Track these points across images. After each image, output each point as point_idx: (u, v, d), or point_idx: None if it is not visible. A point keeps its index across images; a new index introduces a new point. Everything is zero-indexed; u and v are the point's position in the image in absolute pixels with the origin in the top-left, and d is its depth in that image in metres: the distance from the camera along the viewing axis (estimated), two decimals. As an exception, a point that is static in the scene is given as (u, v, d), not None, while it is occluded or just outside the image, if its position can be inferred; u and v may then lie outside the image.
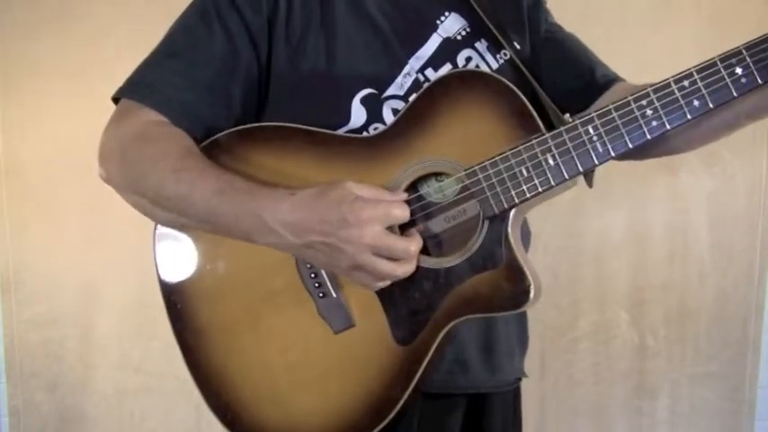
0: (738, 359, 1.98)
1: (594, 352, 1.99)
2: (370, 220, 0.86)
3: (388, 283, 0.92)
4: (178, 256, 1.02)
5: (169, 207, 0.95)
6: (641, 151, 0.93)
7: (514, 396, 1.19)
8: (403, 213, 0.90)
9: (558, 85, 1.08)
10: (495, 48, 1.09)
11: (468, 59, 1.07)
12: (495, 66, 1.08)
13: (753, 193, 1.94)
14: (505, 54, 1.09)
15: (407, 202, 0.93)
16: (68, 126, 1.91)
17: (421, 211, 0.96)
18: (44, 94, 1.94)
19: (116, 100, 1.02)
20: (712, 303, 1.97)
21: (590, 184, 0.99)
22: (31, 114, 1.95)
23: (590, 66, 1.10)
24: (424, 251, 0.94)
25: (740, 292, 1.96)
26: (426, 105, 0.95)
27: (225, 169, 0.94)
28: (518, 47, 1.08)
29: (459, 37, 1.08)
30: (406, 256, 0.89)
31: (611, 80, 1.07)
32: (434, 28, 1.07)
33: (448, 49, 1.07)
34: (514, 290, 0.91)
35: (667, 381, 1.99)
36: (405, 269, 0.91)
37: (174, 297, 1.02)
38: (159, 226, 1.03)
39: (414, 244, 0.90)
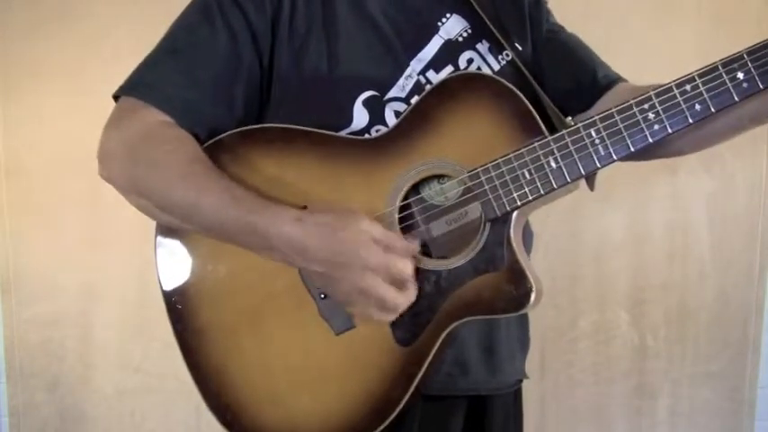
0: (738, 359, 1.98)
1: (594, 352, 1.99)
2: (370, 270, 0.87)
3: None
4: (179, 257, 1.01)
5: (174, 212, 0.95)
6: (644, 153, 0.93)
7: (515, 397, 1.19)
8: (404, 270, 0.90)
9: (559, 85, 1.08)
10: (496, 49, 1.08)
11: (470, 61, 1.07)
12: (496, 67, 1.08)
13: (753, 193, 1.94)
14: (507, 55, 1.08)
15: (408, 205, 0.94)
16: (68, 126, 1.91)
17: (423, 213, 0.95)
18: (44, 94, 1.93)
19: (116, 98, 1.01)
20: (712, 303, 1.97)
21: (592, 187, 0.99)
22: (31, 114, 1.94)
23: (592, 66, 1.10)
24: (426, 253, 0.95)
25: (740, 292, 1.96)
26: (429, 107, 0.95)
27: (232, 179, 0.94)
28: (519, 48, 1.08)
29: (460, 38, 1.08)
30: (392, 309, 0.90)
31: (613, 80, 1.07)
32: (436, 30, 1.07)
33: (449, 51, 1.06)
34: (516, 292, 0.91)
35: (667, 381, 1.99)
36: (389, 316, 0.92)
37: (174, 297, 1.01)
38: (161, 227, 1.02)
39: (407, 297, 0.91)
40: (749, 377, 1.98)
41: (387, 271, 0.88)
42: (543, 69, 1.10)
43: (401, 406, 0.94)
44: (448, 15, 1.08)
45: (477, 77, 0.97)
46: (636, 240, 1.95)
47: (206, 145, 0.99)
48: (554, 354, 1.98)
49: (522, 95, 0.92)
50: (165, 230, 1.02)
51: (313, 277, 0.94)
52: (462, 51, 1.07)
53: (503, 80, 0.94)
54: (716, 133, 0.98)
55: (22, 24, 1.92)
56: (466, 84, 0.95)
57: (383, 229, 0.90)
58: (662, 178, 1.92)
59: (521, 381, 1.20)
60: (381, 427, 0.95)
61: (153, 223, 1.03)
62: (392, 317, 0.92)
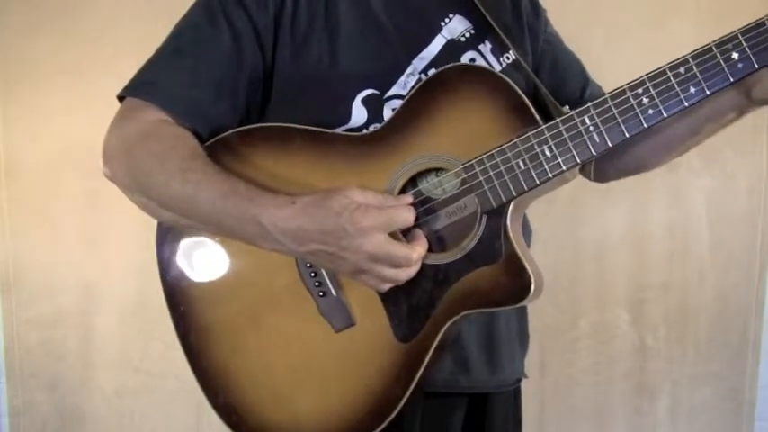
0: (738, 359, 1.97)
1: (594, 352, 1.99)
2: (369, 230, 0.85)
3: (391, 285, 0.91)
4: (181, 258, 1.02)
5: (173, 207, 0.95)
6: (610, 168, 0.92)
7: (515, 396, 1.19)
8: (406, 218, 0.89)
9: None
10: (498, 50, 1.09)
11: (472, 61, 1.07)
12: (498, 68, 1.08)
13: (753, 193, 1.94)
14: (508, 57, 1.09)
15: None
16: (68, 126, 1.92)
17: (420, 206, 0.95)
18: (44, 94, 1.94)
19: (121, 99, 1.01)
20: (712, 303, 1.96)
21: (589, 176, 0.99)
22: (31, 114, 1.95)
23: (581, 83, 1.13)
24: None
25: (740, 292, 1.96)
26: (424, 101, 0.95)
27: (230, 173, 0.94)
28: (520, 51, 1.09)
29: (463, 39, 1.08)
30: (405, 264, 0.88)
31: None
32: (439, 29, 1.07)
33: (452, 51, 1.06)
34: (514, 284, 0.91)
35: (667, 381, 1.99)
36: (408, 272, 0.90)
37: (176, 298, 1.01)
38: (162, 227, 1.02)
39: (415, 251, 0.89)
40: (749, 377, 1.97)
41: (388, 227, 0.87)
42: (538, 76, 1.11)
43: (402, 403, 0.94)
44: (451, 16, 1.08)
45: (473, 70, 0.97)
46: (636, 240, 1.95)
47: (205, 145, 0.99)
48: (554, 353, 1.98)
49: (516, 87, 0.92)
50: (167, 231, 1.02)
51: (320, 262, 0.92)
52: (465, 51, 1.07)
53: (498, 73, 0.94)
54: (674, 141, 1.01)
55: (21, 24, 1.93)
56: (461, 76, 0.95)
57: (375, 193, 0.90)
58: (661, 177, 1.91)
59: (519, 380, 1.20)
60: (383, 425, 0.94)
61: (153, 223, 1.03)
62: (407, 274, 0.90)
